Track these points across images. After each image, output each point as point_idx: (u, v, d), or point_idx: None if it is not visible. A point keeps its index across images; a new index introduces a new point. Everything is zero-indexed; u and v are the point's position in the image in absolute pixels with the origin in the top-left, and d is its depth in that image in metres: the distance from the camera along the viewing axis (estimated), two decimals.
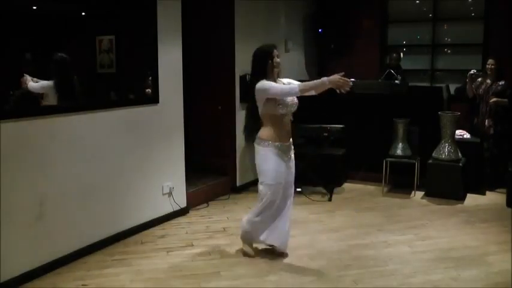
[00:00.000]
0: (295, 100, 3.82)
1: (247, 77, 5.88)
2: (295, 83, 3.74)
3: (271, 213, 3.90)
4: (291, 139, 3.90)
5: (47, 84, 3.85)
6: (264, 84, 3.67)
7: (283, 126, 3.80)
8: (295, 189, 5.76)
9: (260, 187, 3.88)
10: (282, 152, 3.80)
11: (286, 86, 3.73)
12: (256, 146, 3.84)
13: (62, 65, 3.98)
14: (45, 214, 3.68)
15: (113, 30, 4.48)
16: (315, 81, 3.68)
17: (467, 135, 6.07)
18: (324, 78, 3.61)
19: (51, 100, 3.88)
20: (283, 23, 6.84)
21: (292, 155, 3.93)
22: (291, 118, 3.88)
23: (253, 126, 3.87)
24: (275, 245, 4.02)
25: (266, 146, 3.77)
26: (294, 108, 3.83)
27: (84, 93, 4.21)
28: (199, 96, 6.02)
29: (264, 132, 3.79)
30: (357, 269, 3.80)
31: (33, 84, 3.77)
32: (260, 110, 3.76)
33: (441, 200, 5.54)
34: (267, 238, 3.97)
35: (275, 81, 3.77)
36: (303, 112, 6.51)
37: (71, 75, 4.07)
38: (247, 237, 4.05)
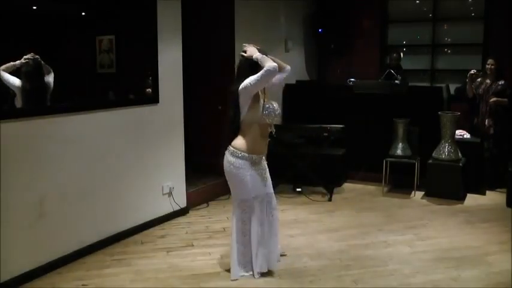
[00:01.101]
0: (279, 110, 3.60)
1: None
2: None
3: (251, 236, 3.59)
4: (266, 152, 3.66)
5: (15, 84, 3.61)
6: (243, 84, 3.41)
7: (263, 138, 3.58)
8: (295, 189, 5.86)
9: (234, 204, 3.62)
10: (256, 164, 3.56)
11: (260, 71, 3.37)
12: (228, 155, 3.56)
13: (34, 67, 3.69)
14: (45, 214, 3.67)
15: (113, 30, 4.48)
16: (264, 61, 3.39)
17: (467, 135, 6.07)
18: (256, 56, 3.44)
19: (18, 101, 3.64)
20: (283, 23, 6.84)
21: (266, 165, 3.69)
22: (273, 130, 3.62)
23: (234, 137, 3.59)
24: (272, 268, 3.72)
25: (240, 158, 3.50)
26: (278, 118, 3.59)
27: (72, 95, 4.07)
28: (199, 96, 6.02)
29: (239, 141, 3.53)
30: (357, 269, 3.80)
31: (6, 74, 3.54)
32: (243, 115, 3.47)
33: (441, 200, 5.54)
34: (263, 267, 3.65)
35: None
36: (303, 112, 6.57)
37: (42, 80, 3.77)
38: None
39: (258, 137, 3.56)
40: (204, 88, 5.99)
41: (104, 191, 4.19)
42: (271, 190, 3.73)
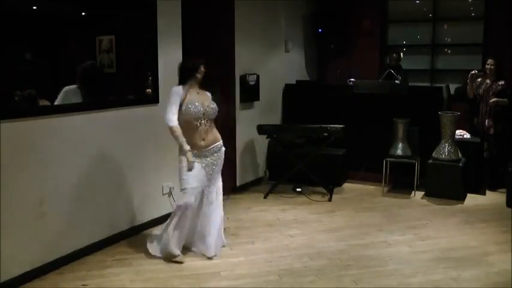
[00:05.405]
0: (212, 106, 4.04)
1: (247, 77, 5.91)
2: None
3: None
4: (213, 143, 4.04)
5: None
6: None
7: (199, 132, 3.97)
8: (295, 189, 5.86)
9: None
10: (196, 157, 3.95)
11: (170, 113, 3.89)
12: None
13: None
14: (46, 214, 3.68)
15: (113, 30, 4.48)
16: (180, 139, 3.89)
17: (467, 135, 6.08)
18: (185, 147, 3.87)
19: None
20: (283, 23, 6.84)
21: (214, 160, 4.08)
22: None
23: None
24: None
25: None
26: (209, 114, 4.02)
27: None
28: None
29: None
30: (357, 269, 3.81)
31: None
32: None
33: (441, 200, 5.54)
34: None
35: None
36: (303, 112, 6.57)
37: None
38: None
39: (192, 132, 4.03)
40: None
41: (104, 191, 4.19)
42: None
